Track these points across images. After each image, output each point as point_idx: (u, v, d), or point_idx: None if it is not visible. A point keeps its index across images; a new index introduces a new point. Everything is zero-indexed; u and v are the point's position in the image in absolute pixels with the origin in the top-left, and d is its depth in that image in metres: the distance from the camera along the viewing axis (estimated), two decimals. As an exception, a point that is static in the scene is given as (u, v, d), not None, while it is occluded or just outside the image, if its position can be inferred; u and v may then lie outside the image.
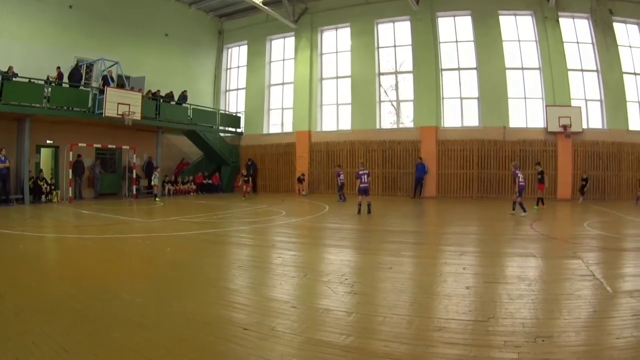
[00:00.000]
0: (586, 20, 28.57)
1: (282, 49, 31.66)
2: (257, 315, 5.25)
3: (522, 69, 27.56)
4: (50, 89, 21.21)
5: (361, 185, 16.39)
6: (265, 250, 10.26)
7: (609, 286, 6.79)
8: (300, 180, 27.81)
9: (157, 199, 23.29)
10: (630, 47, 28.74)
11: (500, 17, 27.87)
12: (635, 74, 28.34)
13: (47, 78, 21.59)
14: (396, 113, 29.22)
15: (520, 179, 17.12)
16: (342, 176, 23.92)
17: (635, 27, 29.00)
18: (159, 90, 27.32)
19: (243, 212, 18.63)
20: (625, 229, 15.02)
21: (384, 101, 29.02)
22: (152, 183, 24.20)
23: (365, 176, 16.46)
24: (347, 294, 6.27)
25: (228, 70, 33.76)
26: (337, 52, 29.70)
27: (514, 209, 16.93)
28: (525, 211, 16.61)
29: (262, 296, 6.29)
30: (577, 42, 28.29)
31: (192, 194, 28.25)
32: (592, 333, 4.90)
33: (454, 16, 28.09)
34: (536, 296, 6.28)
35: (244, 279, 7.45)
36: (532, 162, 25.39)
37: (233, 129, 31.86)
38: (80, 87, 23.23)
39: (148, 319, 5.05)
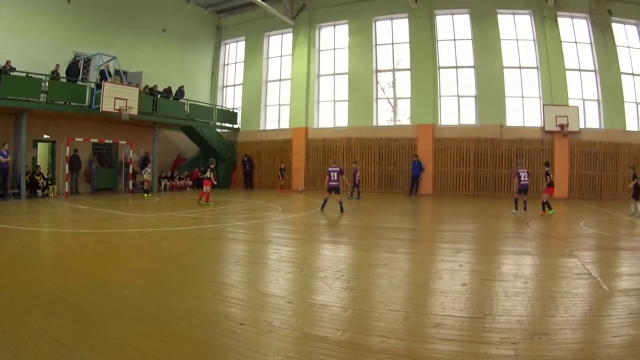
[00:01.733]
0: (585, 20, 28.79)
1: (279, 45, 31.88)
2: (253, 311, 5.29)
3: (520, 67, 27.76)
4: (47, 83, 21.31)
5: (330, 183, 16.26)
6: (262, 246, 10.30)
7: (605, 284, 6.85)
8: (281, 173, 27.96)
9: (146, 194, 23.03)
10: (628, 47, 28.98)
11: (499, 16, 28.08)
12: (633, 74, 28.59)
13: (55, 70, 21.90)
14: (393, 110, 29.46)
15: (523, 178, 17.50)
16: (358, 174, 23.86)
17: (634, 27, 29.25)
18: (156, 86, 27.39)
19: (239, 207, 18.81)
20: (621, 229, 15.20)
21: (381, 98, 29.24)
22: (144, 178, 24.03)
23: (335, 174, 16.23)
24: (344, 289, 6.33)
25: (225, 66, 33.96)
26: (334, 48, 29.88)
27: (516, 208, 17.29)
28: (525, 209, 17.15)
29: (259, 291, 6.34)
30: (576, 42, 28.53)
31: (188, 189, 28.25)
32: (589, 331, 4.96)
33: (452, 14, 28.28)
34: (533, 294, 6.35)
35: (241, 274, 7.51)
36: (529, 161, 25.66)
37: (230, 125, 32.01)
38: (78, 82, 23.33)
39: (145, 313, 5.10)
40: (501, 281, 7.13)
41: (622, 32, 28.93)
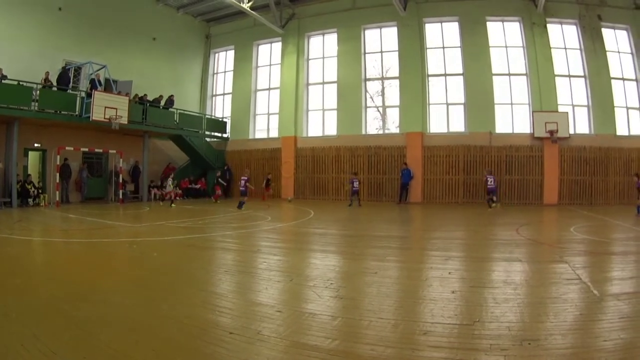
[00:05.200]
0: (574, 26, 29.74)
1: (269, 54, 32.83)
2: (243, 320, 5.41)
3: (509, 74, 28.66)
4: (39, 92, 21.98)
5: (240, 189, 20.86)
6: (251, 255, 10.55)
7: (596, 289, 6.98)
8: (267, 184, 28.39)
9: (172, 204, 23.50)
10: (618, 52, 29.98)
11: (488, 24, 29.06)
12: (623, 79, 29.51)
13: (46, 77, 22.60)
14: (382, 119, 30.39)
15: (489, 183, 22.09)
16: (356, 183, 24.87)
17: (624, 32, 30.25)
18: (145, 95, 28.12)
19: (229, 217, 19.19)
20: (612, 234, 15.54)
21: (370, 107, 30.18)
22: (168, 190, 24.56)
23: (243, 181, 20.86)
24: (333, 298, 6.46)
25: (215, 75, 34.85)
26: (323, 57, 30.85)
27: (490, 207, 22.14)
28: (493, 203, 22.25)
29: (248, 300, 6.46)
30: (565, 48, 29.46)
31: (177, 198, 28.17)
32: (579, 336, 5.04)
33: (441, 22, 29.29)
34: (522, 300, 6.47)
35: (230, 283, 7.66)
36: (518, 167, 26.71)
37: (219, 134, 32.86)
38: (68, 91, 24.01)
39: (136, 322, 5.21)
40: (491, 288, 7.29)
41: (612, 37, 29.83)
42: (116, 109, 23.62)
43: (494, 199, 23.11)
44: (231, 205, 23.04)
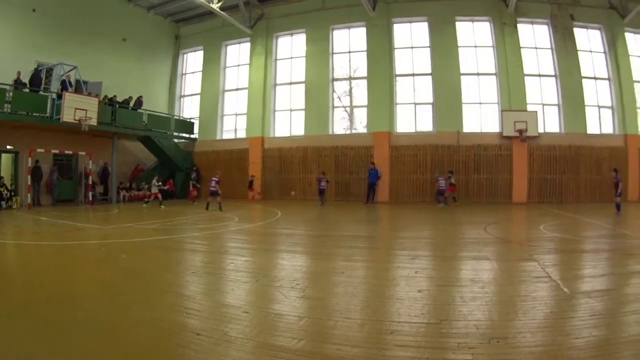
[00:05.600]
0: (546, 26, 32.16)
1: (237, 54, 34.61)
2: (210, 321, 5.82)
3: (478, 74, 30.81)
4: (12, 93, 23.17)
5: (211, 189, 22.45)
6: (218, 256, 11.26)
7: (566, 287, 7.50)
8: (251, 184, 30.27)
9: (161, 205, 25.38)
10: (591, 52, 32.46)
11: (457, 23, 31.24)
12: (595, 78, 32.01)
13: (17, 77, 23.89)
14: (349, 119, 32.16)
15: (440, 185, 26.13)
16: (323, 182, 26.93)
17: (597, 32, 32.76)
18: (115, 96, 29.57)
19: (197, 218, 20.20)
20: (583, 231, 16.52)
21: (337, 107, 31.99)
22: (154, 190, 26.25)
23: (214, 182, 22.31)
24: (299, 298, 6.94)
25: (183, 76, 36.66)
26: (291, 57, 32.65)
27: (440, 202, 25.69)
28: (440, 203, 25.53)
29: (215, 302, 6.95)
30: (536, 48, 31.82)
31: (146, 200, 29.17)
32: (549, 334, 5.42)
33: (410, 22, 31.36)
34: (490, 298, 6.96)
35: (198, 285, 8.16)
36: (487, 166, 29.21)
37: (187, 135, 34.48)
38: (40, 92, 25.25)
39: (107, 325, 5.60)
40: (458, 286, 7.81)
41: (584, 36, 32.41)
42: (86, 110, 24.88)
43: (440, 199, 26.15)
44: (202, 207, 23.84)
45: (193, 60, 36.73)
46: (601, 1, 32.71)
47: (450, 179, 26.64)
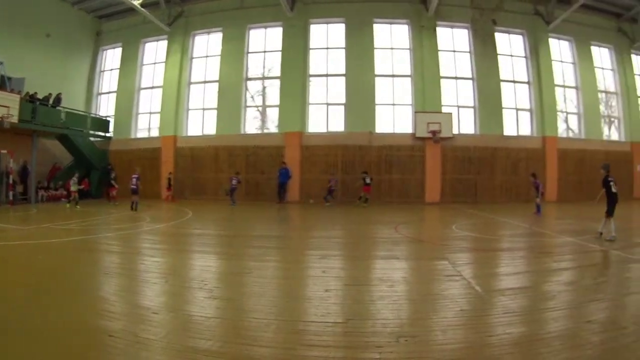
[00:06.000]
0: (466, 30, 35.08)
1: (155, 52, 36.22)
2: (121, 322, 6.26)
3: (393, 76, 33.34)
4: None
5: (131, 187, 23.32)
6: (130, 257, 11.88)
7: (478, 285, 8.04)
8: (170, 184, 31.47)
9: (77, 205, 26.41)
10: (511, 56, 35.66)
11: (375, 26, 33.68)
12: (514, 81, 35.27)
13: None
14: (261, 118, 34.07)
15: (331, 184, 28.88)
16: (234, 181, 28.69)
17: (520, 37, 36.23)
18: (36, 93, 30.75)
19: (110, 218, 21.23)
20: (497, 231, 17.74)
21: (249, 106, 33.88)
22: (73, 189, 27.37)
23: (135, 179, 23.69)
24: (207, 299, 7.40)
25: (102, 73, 38.00)
26: (207, 56, 34.50)
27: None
28: (327, 202, 27.30)
29: (127, 303, 7.37)
30: (454, 51, 34.67)
31: (63, 199, 31.42)
32: (461, 331, 5.92)
33: (328, 23, 33.58)
34: (399, 297, 7.46)
35: (110, 286, 8.65)
36: (399, 167, 32.02)
37: (103, 134, 35.70)
38: None
39: (24, 327, 5.97)
40: (366, 285, 8.42)
41: (506, 40, 35.75)
42: (8, 107, 25.80)
43: (327, 197, 29.34)
44: (124, 207, 25.28)
45: (112, 58, 38.08)
46: (526, 7, 35.95)
47: (365, 179, 28.84)
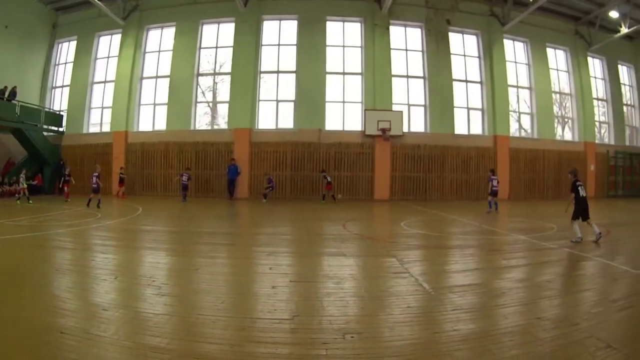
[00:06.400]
0: (419, 29, 35.43)
1: (109, 46, 36.13)
2: (72, 319, 6.19)
3: (344, 73, 33.61)
4: None
5: (93, 185, 23.16)
6: (81, 253, 11.78)
7: (425, 282, 8.15)
8: (121, 180, 31.22)
9: (27, 201, 26.28)
10: (464, 56, 36.16)
11: (328, 23, 33.86)
12: (467, 81, 35.81)
13: None
14: (212, 114, 34.25)
15: (268, 183, 29.32)
16: (184, 177, 28.92)
17: (474, 37, 36.65)
18: None
19: (62, 214, 20.97)
20: (446, 228, 17.94)
21: (200, 102, 33.97)
22: (22, 185, 27.09)
23: (95, 177, 23.34)
24: (156, 295, 7.38)
25: (57, 66, 37.64)
26: (159, 51, 34.41)
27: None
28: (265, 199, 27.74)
29: (78, 299, 7.32)
30: (406, 50, 35.14)
31: (17, 195, 29.51)
32: (408, 328, 5.96)
33: (280, 20, 33.79)
34: (346, 294, 7.52)
35: (62, 282, 8.56)
36: (349, 164, 32.21)
37: (56, 128, 35.52)
38: None
39: None
40: (313, 282, 8.44)
41: (459, 40, 36.28)
42: None
43: (265, 195, 29.40)
44: (76, 203, 25.03)
45: (67, 51, 37.85)
46: (482, 8, 36.42)
47: (327, 178, 29.53)
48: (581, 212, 13.69)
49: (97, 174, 23.85)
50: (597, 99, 42.06)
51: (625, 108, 43.80)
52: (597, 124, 41.56)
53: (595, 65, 42.37)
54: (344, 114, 33.52)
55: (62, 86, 37.10)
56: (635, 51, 43.95)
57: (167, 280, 8.88)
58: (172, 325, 6.11)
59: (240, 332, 5.83)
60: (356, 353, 5.16)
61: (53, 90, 37.39)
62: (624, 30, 37.24)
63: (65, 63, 37.27)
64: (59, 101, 37.17)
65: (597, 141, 40.92)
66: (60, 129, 35.79)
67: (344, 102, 33.62)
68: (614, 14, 37.56)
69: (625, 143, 43.01)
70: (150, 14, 34.80)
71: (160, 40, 34.93)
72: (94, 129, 35.31)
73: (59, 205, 25.30)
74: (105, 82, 35.34)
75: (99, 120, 35.64)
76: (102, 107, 35.40)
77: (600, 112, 42.55)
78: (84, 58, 35.81)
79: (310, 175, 32.11)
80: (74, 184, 29.28)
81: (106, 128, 34.66)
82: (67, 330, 5.76)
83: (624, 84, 44.12)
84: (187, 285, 8.42)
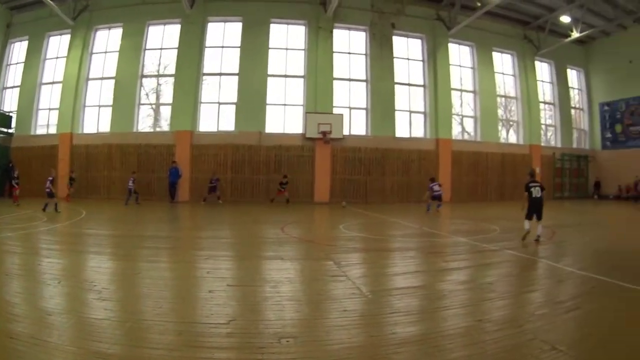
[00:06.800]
0: (364, 33, 35.97)
1: (58, 46, 36.23)
2: (21, 324, 6.26)
3: (286, 76, 34.18)
4: None
5: (46, 190, 23.24)
6: (25, 257, 11.74)
7: (363, 285, 8.24)
8: (71, 181, 31.38)
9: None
10: (408, 59, 36.89)
11: (272, 25, 34.37)
12: (410, 84, 36.59)
13: None
14: (155, 116, 34.58)
15: (211, 182, 29.96)
16: (130, 182, 28.82)
17: (419, 41, 37.27)
18: None
19: (9, 217, 20.93)
20: (386, 230, 18.08)
21: (144, 104, 34.35)
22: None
23: (49, 182, 23.35)
24: (97, 300, 7.46)
25: (8, 67, 37.69)
26: (106, 52, 34.68)
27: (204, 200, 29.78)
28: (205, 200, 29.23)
29: (26, 304, 7.38)
30: (349, 53, 35.69)
31: None
32: (344, 332, 6.02)
33: (225, 22, 34.27)
34: (282, 298, 7.55)
35: (9, 287, 8.58)
36: (289, 166, 32.59)
37: (6, 129, 35.47)
38: None
39: None
40: (250, 286, 8.53)
41: (404, 44, 36.94)
42: None
43: (206, 196, 30.65)
44: (25, 206, 25.07)
45: (19, 51, 37.88)
46: (428, 12, 37.12)
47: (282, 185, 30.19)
48: (533, 211, 14.26)
49: (51, 178, 23.83)
50: (545, 102, 42.88)
51: (573, 111, 44.81)
52: (543, 127, 42.39)
53: (543, 69, 43.20)
54: (284, 116, 34.08)
55: (13, 87, 37.20)
56: (586, 55, 44.87)
57: (108, 284, 8.93)
58: (112, 330, 6.17)
59: (178, 336, 5.90)
60: (292, 357, 5.28)
61: (4, 90, 37.49)
62: (575, 34, 38.17)
63: (17, 63, 37.33)
64: (9, 102, 37.28)
65: (543, 144, 41.75)
66: (10, 130, 35.81)
67: (285, 104, 34.18)
68: (565, 19, 38.32)
69: (572, 145, 44.04)
70: (99, 14, 34.97)
71: (108, 41, 35.12)
72: (41, 131, 35.51)
73: (8, 208, 25.31)
74: (53, 83, 35.43)
75: (47, 121, 35.91)
76: (50, 109, 35.58)
77: (547, 115, 43.35)
78: (34, 58, 35.89)
79: (250, 178, 32.82)
80: (19, 187, 28.78)
81: (53, 130, 34.86)
82: (16, 335, 5.85)
83: (573, 88, 45.16)
84: (128, 290, 8.54)
